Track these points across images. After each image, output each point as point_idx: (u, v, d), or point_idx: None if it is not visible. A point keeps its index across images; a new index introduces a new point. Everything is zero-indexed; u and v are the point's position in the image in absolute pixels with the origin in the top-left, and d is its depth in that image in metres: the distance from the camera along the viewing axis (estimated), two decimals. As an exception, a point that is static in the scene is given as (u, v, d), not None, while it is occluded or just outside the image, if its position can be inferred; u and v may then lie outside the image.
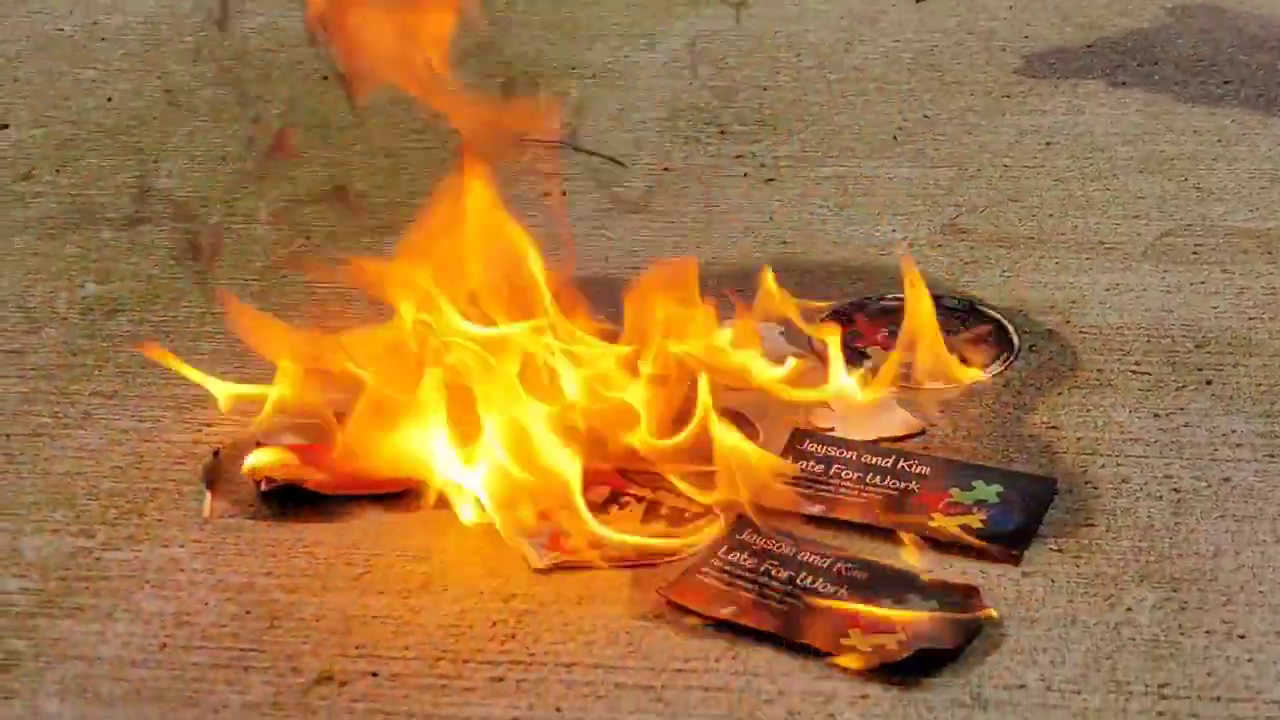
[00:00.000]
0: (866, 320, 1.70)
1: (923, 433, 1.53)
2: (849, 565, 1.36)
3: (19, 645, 1.32)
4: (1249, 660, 1.26)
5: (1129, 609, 1.31)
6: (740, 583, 1.35)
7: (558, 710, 1.23)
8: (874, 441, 1.52)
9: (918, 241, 1.85)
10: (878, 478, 1.47)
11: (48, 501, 1.49)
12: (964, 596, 1.31)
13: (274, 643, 1.31)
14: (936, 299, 1.69)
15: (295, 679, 1.27)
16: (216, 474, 1.51)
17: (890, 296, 1.73)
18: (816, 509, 1.43)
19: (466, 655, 1.29)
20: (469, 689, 1.26)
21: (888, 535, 1.41)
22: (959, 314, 1.71)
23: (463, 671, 1.27)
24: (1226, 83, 2.20)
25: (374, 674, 1.28)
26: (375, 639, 1.31)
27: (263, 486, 1.46)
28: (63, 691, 1.28)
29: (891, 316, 1.69)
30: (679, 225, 1.93)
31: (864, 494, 1.45)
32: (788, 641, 1.29)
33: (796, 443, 1.51)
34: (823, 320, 1.69)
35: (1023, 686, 1.24)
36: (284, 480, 1.47)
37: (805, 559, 1.37)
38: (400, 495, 1.46)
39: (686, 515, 1.44)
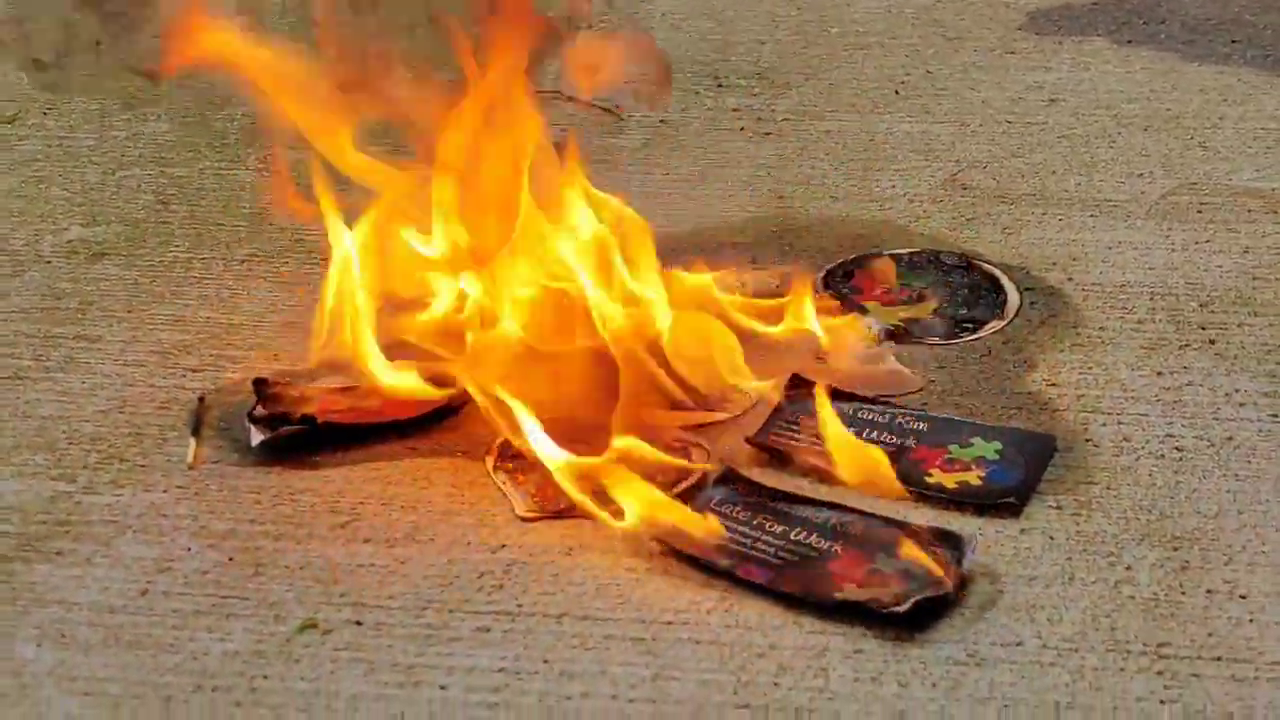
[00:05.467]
0: (865, 275, 1.72)
1: (921, 389, 1.55)
2: (843, 518, 1.38)
3: (-4, 589, 1.32)
4: (1250, 620, 1.27)
5: (1128, 567, 1.33)
6: (735, 534, 1.36)
7: (545, 662, 1.24)
8: (871, 398, 1.53)
9: (919, 196, 1.86)
10: (874, 433, 1.48)
11: (28, 445, 1.50)
12: (955, 546, 1.34)
13: (257, 590, 1.32)
14: (935, 254, 1.74)
15: (278, 627, 1.29)
16: (201, 420, 1.52)
17: (890, 252, 1.75)
18: (813, 462, 1.45)
19: (453, 605, 1.30)
20: (455, 639, 1.27)
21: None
22: (957, 268, 1.73)
23: (449, 621, 1.28)
24: (1234, 41, 2.21)
25: (358, 623, 1.29)
26: (360, 588, 1.32)
27: (254, 439, 1.48)
28: (40, 636, 1.28)
29: (892, 268, 1.73)
30: (676, 178, 1.94)
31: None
32: (781, 594, 1.30)
33: (791, 388, 1.54)
34: (825, 274, 1.72)
35: (1020, 644, 1.25)
36: (288, 412, 1.49)
37: (800, 512, 1.38)
38: (413, 425, 1.50)
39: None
